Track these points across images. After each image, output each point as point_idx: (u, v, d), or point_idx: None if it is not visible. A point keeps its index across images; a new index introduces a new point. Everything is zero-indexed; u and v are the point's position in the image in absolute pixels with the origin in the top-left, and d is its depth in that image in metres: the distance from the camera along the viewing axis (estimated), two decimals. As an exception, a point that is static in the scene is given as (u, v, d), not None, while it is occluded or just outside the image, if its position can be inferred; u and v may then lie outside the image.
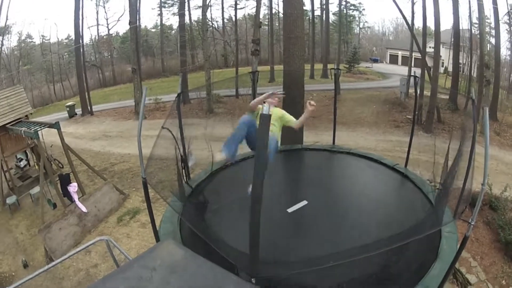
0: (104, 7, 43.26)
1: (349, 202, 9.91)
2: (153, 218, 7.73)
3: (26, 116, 18.16)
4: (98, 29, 44.88)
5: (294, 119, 8.45)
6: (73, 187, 16.38)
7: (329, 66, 39.43)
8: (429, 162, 10.52)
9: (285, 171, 12.58)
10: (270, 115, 4.15)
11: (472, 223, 5.33)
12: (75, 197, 16.24)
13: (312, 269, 5.79)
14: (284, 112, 8.55)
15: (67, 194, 16.45)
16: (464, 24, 34.58)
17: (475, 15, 32.58)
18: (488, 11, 32.07)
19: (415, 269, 6.81)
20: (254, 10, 38.06)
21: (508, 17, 34.50)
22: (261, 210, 4.93)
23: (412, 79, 12.03)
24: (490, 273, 13.48)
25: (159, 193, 7.95)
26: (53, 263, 6.37)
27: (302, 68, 15.92)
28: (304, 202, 9.23)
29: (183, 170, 9.49)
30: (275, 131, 8.26)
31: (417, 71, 32.36)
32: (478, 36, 31.95)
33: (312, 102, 8.01)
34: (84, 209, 15.91)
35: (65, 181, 16.57)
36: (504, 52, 36.28)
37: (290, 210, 8.99)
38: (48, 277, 13.41)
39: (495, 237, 14.87)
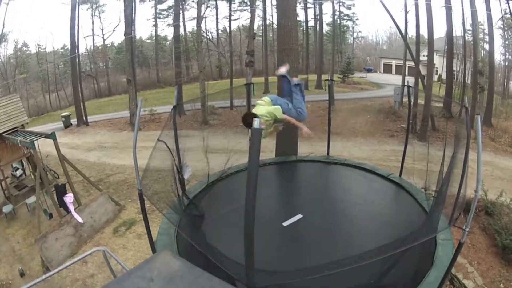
0: (99, 17, 43.33)
1: (344, 213, 9.99)
2: (149, 229, 7.84)
3: (22, 125, 18.21)
4: (93, 39, 44.92)
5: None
6: (69, 198, 16.37)
7: (323, 76, 39.64)
8: (424, 170, 10.70)
9: (280, 183, 12.74)
10: (261, 129, 4.34)
11: (467, 230, 5.42)
12: (71, 207, 16.23)
13: (308, 278, 5.80)
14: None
15: (63, 204, 16.44)
16: (457, 31, 34.77)
17: (468, 22, 32.70)
18: (482, 17, 32.25)
19: (411, 277, 6.90)
20: (248, 21, 38.29)
21: (502, 22, 34.68)
22: (257, 223, 5.00)
23: (406, 88, 12.10)
24: (488, 278, 13.55)
25: (155, 205, 8.01)
26: (51, 272, 6.41)
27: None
28: (299, 216, 9.30)
29: (179, 182, 9.54)
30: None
31: (411, 80, 32.58)
32: (472, 42, 32.05)
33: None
34: (80, 219, 15.90)
35: (61, 191, 16.56)
36: (498, 57, 36.42)
37: (285, 224, 9.08)
38: (45, 287, 13.39)
39: (491, 242, 14.91)
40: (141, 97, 37.49)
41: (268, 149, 16.88)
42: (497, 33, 34.87)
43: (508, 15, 33.86)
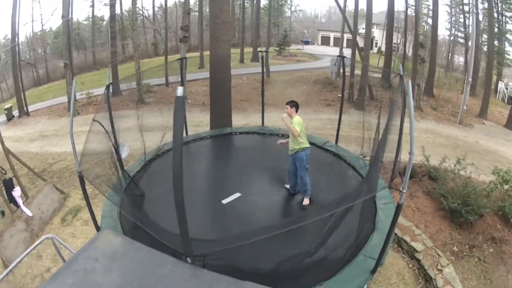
0: (39, 2, 42.58)
1: (281, 182, 10.43)
2: (92, 212, 8.25)
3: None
4: (32, 26, 44.17)
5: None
6: (17, 192, 16.11)
7: (259, 49, 40.03)
8: (361, 138, 11.10)
9: (216, 157, 13.14)
10: (183, 97, 4.31)
11: (404, 192, 5.71)
12: (20, 201, 16.00)
13: (247, 245, 5.94)
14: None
15: (12, 199, 16.30)
16: (400, 6, 35.76)
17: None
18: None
19: (354, 242, 7.30)
20: (185, -4, 38.23)
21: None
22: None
23: (341, 59, 12.50)
24: (438, 240, 13.69)
25: (97, 188, 8.26)
26: (5, 271, 6.60)
27: (228, 52, 16.25)
28: (238, 195, 9.75)
29: (117, 162, 9.81)
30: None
31: (349, 52, 33.36)
32: (414, 16, 32.89)
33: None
34: (29, 213, 15.67)
35: (9, 186, 16.37)
36: (443, 32, 37.77)
37: (224, 201, 9.49)
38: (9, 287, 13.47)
39: (438, 206, 14.98)
40: (78, 80, 37.18)
41: (204, 124, 17.14)
42: (443, 9, 36.21)
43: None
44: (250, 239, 5.81)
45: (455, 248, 13.46)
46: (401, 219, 13.73)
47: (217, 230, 8.57)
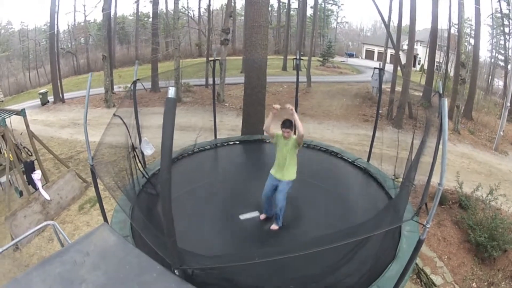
0: (81, -7, 43.28)
1: (304, 196, 9.76)
2: (101, 204, 8.30)
3: (-2, 103, 17.99)
4: (74, 16, 44.89)
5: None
6: (37, 175, 16.21)
7: (304, 58, 39.71)
8: (395, 157, 10.53)
9: (242, 162, 12.60)
10: (175, 99, 4.02)
11: (427, 226, 5.13)
12: (39, 184, 16.10)
13: (241, 265, 5.70)
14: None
15: (31, 181, 16.35)
16: (444, 24, 35.00)
17: (455, 15, 32.82)
18: (470, 12, 32.51)
19: (371, 269, 6.65)
20: (232, -1, 38.29)
21: (491, 20, 34.92)
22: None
23: (382, 73, 11.81)
24: (459, 275, 12.97)
25: (105, 185, 7.98)
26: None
27: (264, 57, 15.81)
28: (256, 213, 8.98)
29: (136, 159, 9.45)
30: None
31: (391, 67, 32.72)
32: (457, 35, 32.13)
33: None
34: (47, 196, 15.74)
35: (29, 168, 16.45)
36: (484, 53, 36.77)
37: (242, 217, 8.82)
38: (15, 264, 13.33)
39: (464, 237, 14.27)
40: (116, 73, 37.56)
41: (239, 128, 16.81)
42: (485, 30, 35.36)
43: (499, 14, 34.11)
44: (245, 261, 5.63)
45: (474, 284, 12.82)
46: (425, 249, 13.16)
47: (227, 236, 8.13)
